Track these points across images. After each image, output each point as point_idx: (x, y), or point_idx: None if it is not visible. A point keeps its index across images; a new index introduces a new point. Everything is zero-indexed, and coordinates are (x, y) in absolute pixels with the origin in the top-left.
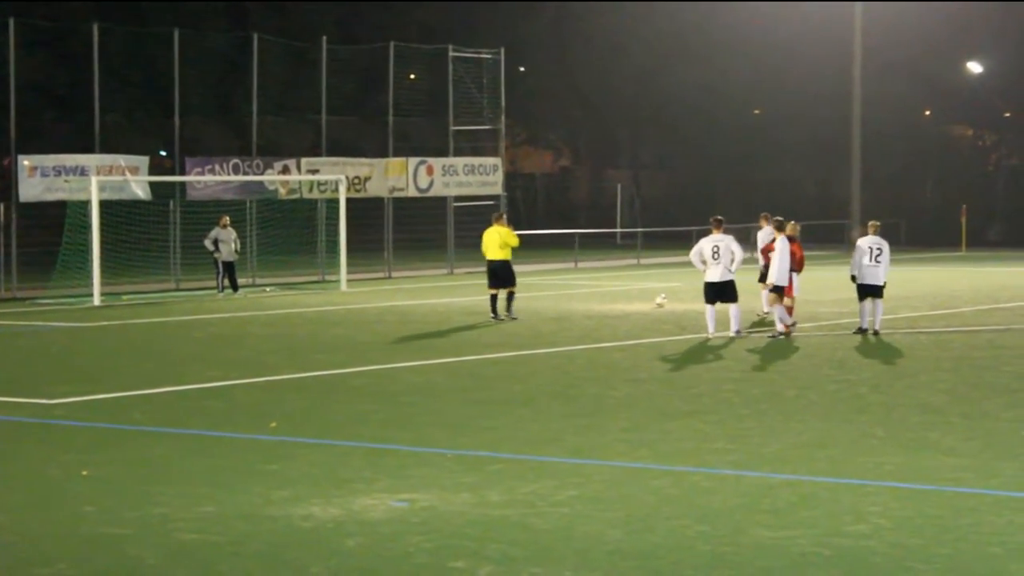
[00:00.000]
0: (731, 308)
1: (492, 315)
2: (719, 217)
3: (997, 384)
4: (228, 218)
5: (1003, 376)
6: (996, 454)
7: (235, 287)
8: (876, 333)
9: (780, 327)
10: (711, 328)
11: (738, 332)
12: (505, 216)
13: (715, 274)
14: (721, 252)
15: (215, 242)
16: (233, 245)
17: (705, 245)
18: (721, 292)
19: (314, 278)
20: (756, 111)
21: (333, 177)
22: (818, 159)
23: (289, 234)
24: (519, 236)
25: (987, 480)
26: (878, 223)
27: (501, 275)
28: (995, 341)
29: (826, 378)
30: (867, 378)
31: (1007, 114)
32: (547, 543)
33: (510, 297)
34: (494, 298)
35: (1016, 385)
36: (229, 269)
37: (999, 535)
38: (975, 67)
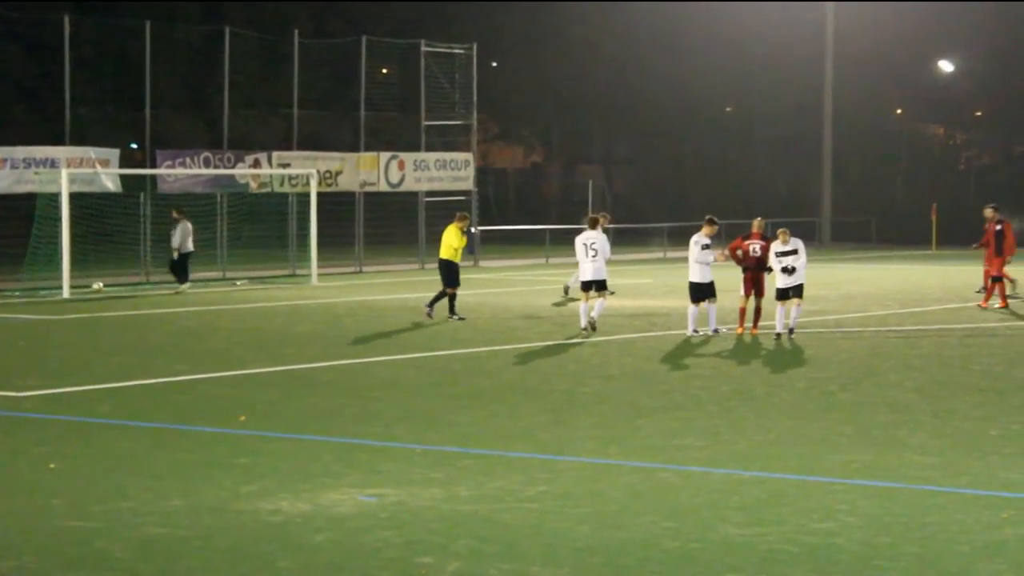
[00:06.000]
0: (710, 307)
1: (457, 316)
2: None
3: (966, 383)
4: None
5: (972, 375)
6: (964, 452)
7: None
8: (791, 332)
9: (583, 322)
10: (691, 327)
11: (716, 330)
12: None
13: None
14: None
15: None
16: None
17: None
18: (705, 291)
19: (285, 272)
20: (728, 109)
21: (304, 171)
22: (789, 157)
23: (260, 228)
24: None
25: (955, 478)
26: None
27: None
28: (965, 340)
29: (795, 376)
30: (836, 376)
31: (978, 113)
32: (515, 539)
33: (442, 297)
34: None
35: (985, 384)
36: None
37: (967, 533)
38: (946, 66)
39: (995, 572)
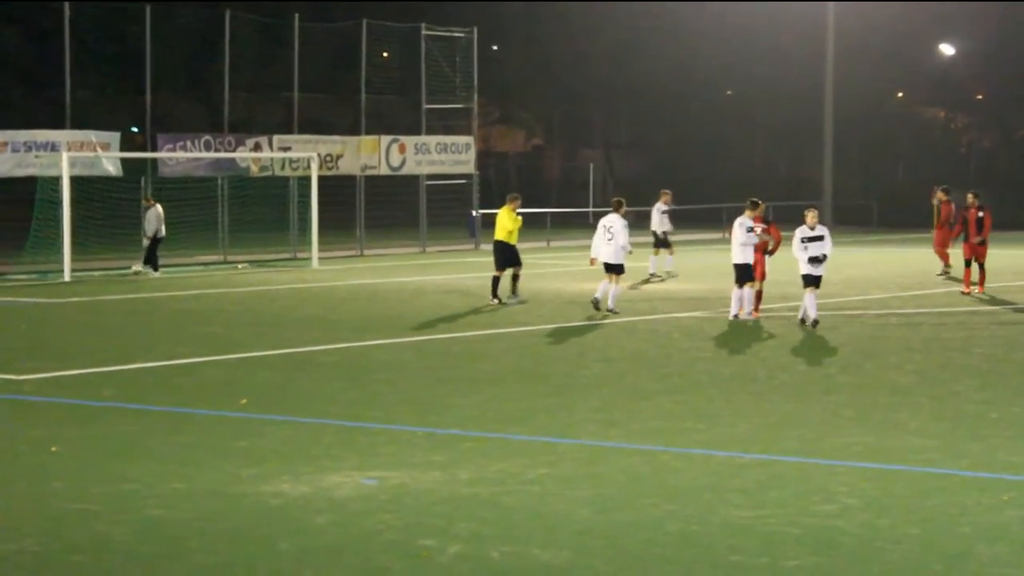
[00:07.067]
0: (747, 292)
1: (519, 298)
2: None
3: (967, 365)
4: (148, 198)
5: (973, 358)
6: (965, 435)
7: (154, 265)
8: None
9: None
10: (734, 310)
11: (749, 314)
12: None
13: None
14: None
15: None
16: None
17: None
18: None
19: (286, 255)
20: (728, 92)
21: (305, 155)
22: (790, 140)
23: (261, 211)
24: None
25: (956, 461)
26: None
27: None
28: (965, 322)
29: (796, 359)
30: (837, 359)
31: (979, 96)
32: (516, 521)
33: (511, 279)
34: (511, 278)
35: (986, 366)
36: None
37: (967, 515)
38: (947, 49)
39: (996, 554)
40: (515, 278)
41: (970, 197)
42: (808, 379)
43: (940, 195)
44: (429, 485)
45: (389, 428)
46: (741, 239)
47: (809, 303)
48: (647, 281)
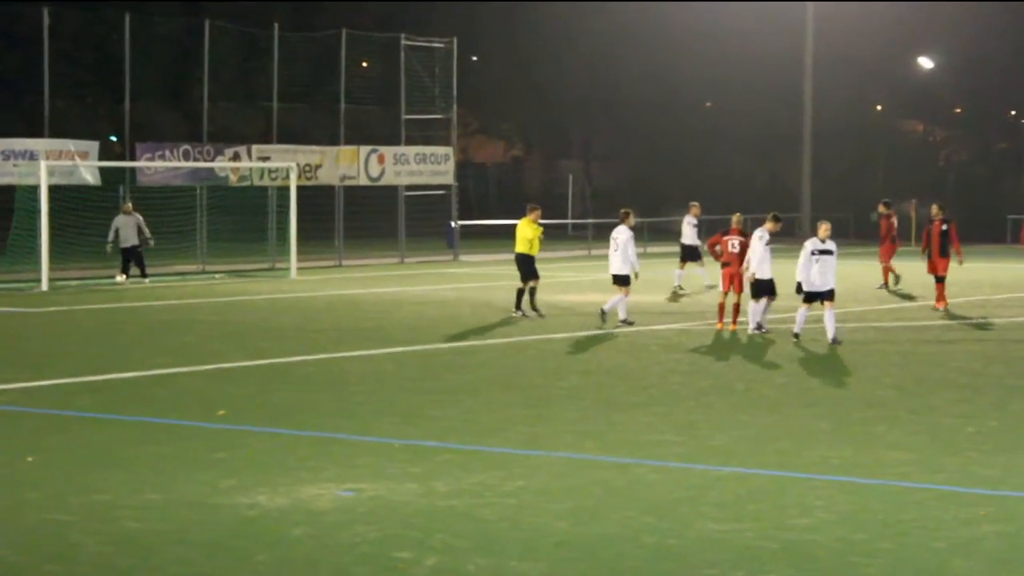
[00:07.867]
0: (765, 305)
1: (538, 312)
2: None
3: (944, 379)
4: (130, 204)
5: (950, 372)
6: (941, 449)
7: (143, 272)
8: (836, 341)
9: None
10: (752, 323)
11: (759, 326)
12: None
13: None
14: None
15: (116, 232)
16: (136, 230)
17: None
18: (766, 288)
19: (264, 265)
20: (708, 104)
21: (284, 164)
22: (769, 152)
23: (239, 221)
24: (544, 228)
25: (932, 475)
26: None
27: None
28: (943, 336)
29: (774, 372)
30: (815, 372)
31: (957, 110)
32: (493, 534)
33: (527, 293)
34: (526, 292)
35: (963, 380)
36: (133, 255)
37: (943, 530)
38: (926, 63)
39: (971, 569)
40: (531, 292)
41: (934, 209)
42: (786, 392)
43: (881, 208)
44: (406, 497)
45: (367, 440)
46: (759, 253)
47: (799, 317)
48: (676, 295)
